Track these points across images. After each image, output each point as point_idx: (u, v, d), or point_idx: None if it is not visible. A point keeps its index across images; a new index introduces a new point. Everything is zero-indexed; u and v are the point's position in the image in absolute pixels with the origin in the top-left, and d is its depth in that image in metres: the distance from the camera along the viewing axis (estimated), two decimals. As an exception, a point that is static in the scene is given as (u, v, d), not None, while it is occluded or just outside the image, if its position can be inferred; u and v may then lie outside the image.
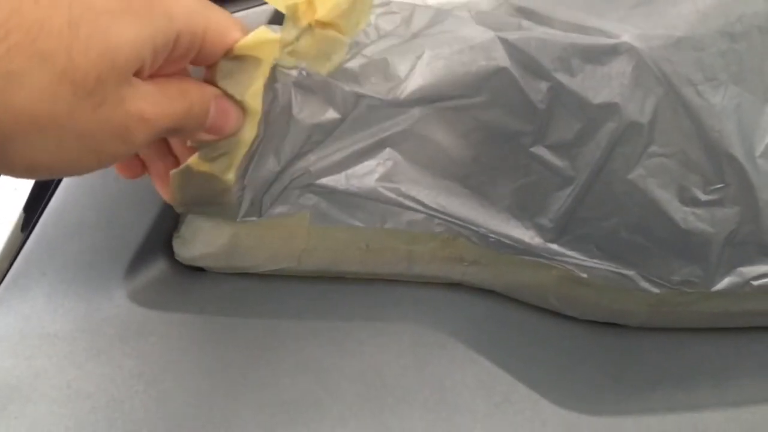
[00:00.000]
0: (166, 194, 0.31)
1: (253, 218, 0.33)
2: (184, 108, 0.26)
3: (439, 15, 0.32)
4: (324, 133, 0.32)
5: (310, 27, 0.29)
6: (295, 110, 0.30)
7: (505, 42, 0.30)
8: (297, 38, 0.29)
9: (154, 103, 0.25)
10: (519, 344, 0.36)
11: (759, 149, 0.32)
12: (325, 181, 0.33)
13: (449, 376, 0.35)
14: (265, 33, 0.28)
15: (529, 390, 0.34)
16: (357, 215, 0.34)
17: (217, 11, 0.27)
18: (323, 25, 0.29)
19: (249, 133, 0.29)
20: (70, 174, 0.26)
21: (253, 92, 0.29)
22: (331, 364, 0.35)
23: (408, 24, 0.32)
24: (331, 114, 0.31)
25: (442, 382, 0.34)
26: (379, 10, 0.32)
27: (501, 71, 0.30)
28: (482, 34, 0.30)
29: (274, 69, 0.29)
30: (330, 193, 0.33)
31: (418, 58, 0.31)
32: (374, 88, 0.31)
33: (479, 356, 0.35)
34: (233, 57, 0.28)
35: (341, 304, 0.36)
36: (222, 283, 0.36)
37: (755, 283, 0.35)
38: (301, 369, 0.34)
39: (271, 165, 0.32)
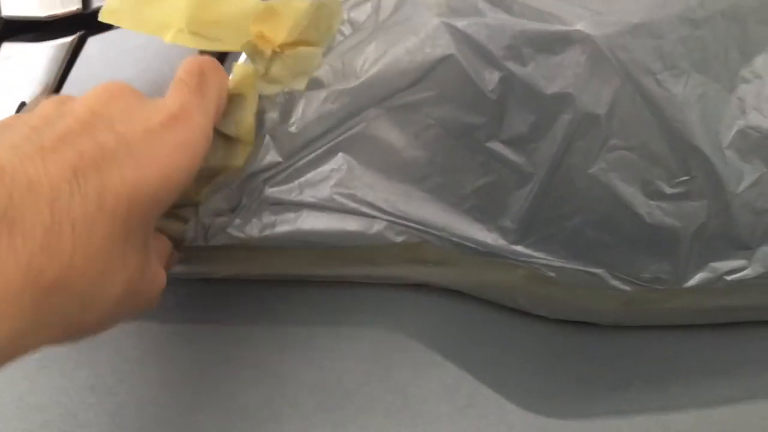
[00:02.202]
0: None
1: (198, 244, 0.32)
2: None
3: (402, 1, 0.31)
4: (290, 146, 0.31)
5: (276, 53, 0.29)
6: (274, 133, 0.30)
7: (451, 28, 0.29)
8: (268, 67, 0.29)
9: None
10: (485, 346, 0.35)
11: (726, 140, 0.31)
12: (279, 192, 0.32)
13: (413, 381, 0.34)
14: (243, 68, 0.29)
15: (494, 393, 0.33)
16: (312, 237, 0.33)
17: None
18: (290, 45, 0.29)
19: (237, 162, 0.30)
20: None
21: (246, 128, 0.29)
22: (290, 372, 0.34)
23: (377, 12, 0.31)
24: (292, 127, 0.30)
25: (406, 387, 0.33)
26: (350, 3, 0.31)
27: (447, 59, 0.29)
28: (429, 21, 0.29)
29: (261, 100, 0.30)
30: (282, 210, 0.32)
31: (368, 53, 0.30)
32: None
33: (444, 359, 0.34)
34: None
35: (300, 308, 0.35)
36: (178, 288, 0.35)
37: (728, 278, 0.34)
38: (259, 378, 0.33)
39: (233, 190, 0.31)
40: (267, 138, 0.31)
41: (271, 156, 0.31)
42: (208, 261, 0.35)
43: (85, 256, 0.21)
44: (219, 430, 0.32)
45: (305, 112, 0.31)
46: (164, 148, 0.24)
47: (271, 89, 0.30)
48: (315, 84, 0.30)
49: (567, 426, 0.33)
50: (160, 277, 0.27)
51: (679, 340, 0.35)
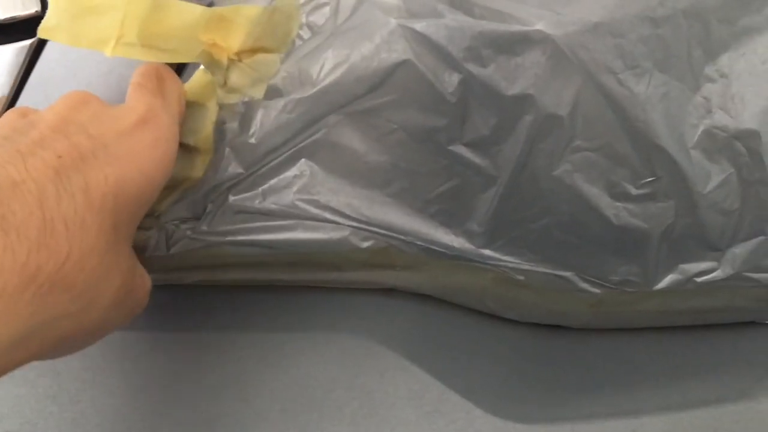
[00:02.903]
0: None
1: (160, 254, 0.32)
2: None
3: (359, 2, 0.30)
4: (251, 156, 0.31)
5: (233, 62, 0.29)
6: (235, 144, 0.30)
7: (409, 31, 0.28)
8: (227, 76, 0.29)
9: None
10: (454, 351, 0.35)
11: (692, 140, 0.30)
12: (242, 200, 0.31)
13: (379, 386, 0.33)
14: (202, 76, 0.28)
15: (461, 399, 0.33)
16: (278, 243, 0.32)
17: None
18: (248, 53, 0.29)
19: (197, 173, 0.30)
20: None
21: (204, 137, 0.29)
22: (255, 378, 0.33)
23: (336, 15, 0.31)
24: (252, 138, 0.30)
25: (372, 393, 0.33)
26: (309, 7, 0.31)
27: (403, 64, 0.28)
28: (385, 25, 0.29)
29: (220, 109, 0.29)
30: (247, 219, 0.32)
31: (325, 60, 0.30)
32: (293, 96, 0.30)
33: (411, 365, 0.34)
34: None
35: (265, 314, 0.35)
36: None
37: (698, 280, 0.33)
38: (223, 385, 0.33)
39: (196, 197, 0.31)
40: (228, 150, 0.30)
41: (233, 168, 0.31)
42: (174, 268, 0.35)
43: (81, 253, 0.21)
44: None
45: (264, 122, 0.30)
46: (140, 147, 0.24)
47: (230, 98, 0.29)
48: (272, 92, 0.30)
49: (535, 430, 0.32)
50: (147, 279, 0.27)
51: (650, 342, 0.35)
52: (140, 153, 0.24)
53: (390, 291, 0.36)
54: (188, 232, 0.32)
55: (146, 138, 0.25)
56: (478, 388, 0.33)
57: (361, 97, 0.30)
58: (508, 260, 0.33)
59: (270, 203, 0.31)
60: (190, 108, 0.29)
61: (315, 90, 0.30)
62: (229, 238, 0.32)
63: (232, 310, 0.35)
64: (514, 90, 0.29)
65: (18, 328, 0.20)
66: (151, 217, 0.31)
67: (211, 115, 0.29)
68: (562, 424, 0.32)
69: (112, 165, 0.23)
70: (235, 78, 0.29)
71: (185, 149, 0.30)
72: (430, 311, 0.35)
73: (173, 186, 0.30)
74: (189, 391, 0.33)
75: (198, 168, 0.30)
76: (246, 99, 0.29)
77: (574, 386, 0.34)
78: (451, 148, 0.31)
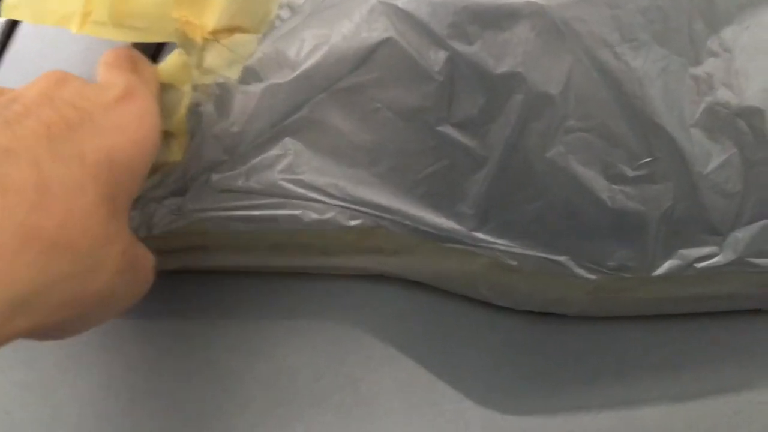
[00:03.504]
0: None
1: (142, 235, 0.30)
2: None
3: None
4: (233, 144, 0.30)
5: (208, 41, 0.28)
6: (210, 126, 0.29)
7: (391, 8, 0.27)
8: (202, 56, 0.28)
9: None
10: (444, 339, 0.33)
11: (692, 118, 0.29)
12: (225, 179, 0.30)
13: (365, 376, 0.32)
14: (177, 57, 0.27)
15: (451, 389, 0.32)
16: (262, 220, 0.32)
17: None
18: (225, 33, 0.28)
19: (175, 157, 0.29)
20: None
21: (177, 120, 0.28)
22: (238, 367, 0.32)
23: None
24: (234, 127, 0.29)
25: (358, 383, 0.32)
26: None
27: (385, 42, 0.27)
28: (365, 2, 0.27)
29: (194, 91, 0.28)
30: (231, 198, 0.31)
31: (303, 41, 0.28)
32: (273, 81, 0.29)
33: (399, 354, 0.33)
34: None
35: (250, 301, 0.34)
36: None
37: (698, 265, 0.32)
38: (205, 373, 0.32)
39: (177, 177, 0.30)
40: (210, 137, 0.29)
41: (216, 154, 0.30)
42: (156, 250, 0.34)
43: (81, 216, 0.21)
44: (162, 427, 0.31)
45: (244, 109, 0.29)
46: (127, 119, 0.24)
47: (205, 79, 0.28)
48: (249, 74, 0.29)
49: (527, 423, 0.31)
50: (150, 254, 0.26)
51: (648, 331, 0.34)
52: (128, 125, 0.24)
53: (378, 277, 0.35)
54: (171, 211, 0.31)
55: (132, 110, 0.24)
56: (469, 378, 0.32)
57: (344, 77, 0.28)
58: (501, 243, 0.32)
59: (253, 182, 0.30)
60: (164, 91, 0.28)
61: (296, 74, 0.29)
62: (212, 214, 0.31)
63: (215, 296, 0.34)
64: (502, 68, 0.27)
65: (18, 290, 0.19)
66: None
67: (185, 98, 0.28)
68: (554, 415, 0.31)
69: (102, 136, 0.23)
70: (211, 58, 0.28)
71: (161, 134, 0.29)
72: (420, 298, 0.34)
73: (152, 170, 0.29)
74: (169, 380, 0.32)
75: (175, 152, 0.29)
76: (221, 80, 0.28)
77: (569, 376, 0.33)
78: (438, 128, 0.29)
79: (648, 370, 0.33)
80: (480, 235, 0.32)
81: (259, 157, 0.30)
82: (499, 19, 0.27)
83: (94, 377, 0.32)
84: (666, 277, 0.32)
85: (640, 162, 0.29)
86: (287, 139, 0.30)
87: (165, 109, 0.28)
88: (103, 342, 0.32)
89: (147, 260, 0.26)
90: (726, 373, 0.32)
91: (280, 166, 0.30)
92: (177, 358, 0.32)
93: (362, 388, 0.32)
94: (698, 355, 0.33)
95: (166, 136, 0.29)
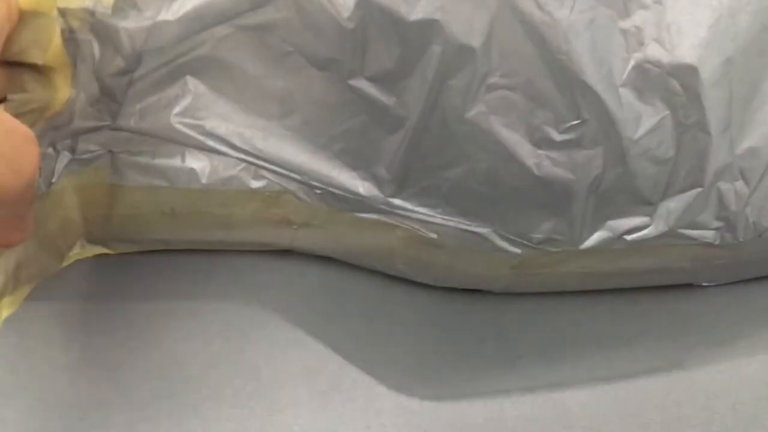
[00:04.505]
0: None
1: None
2: None
3: None
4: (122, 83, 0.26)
5: None
6: (95, 60, 0.25)
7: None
8: None
9: None
10: (357, 319, 0.31)
11: (621, 77, 0.27)
12: (116, 119, 0.26)
13: (269, 362, 0.29)
14: None
15: (362, 374, 0.29)
16: (156, 171, 0.28)
17: None
18: None
19: (61, 93, 0.25)
20: None
21: (53, 51, 0.24)
22: (123, 355, 0.29)
23: None
24: (119, 62, 0.25)
25: (260, 369, 0.29)
26: None
27: (286, -20, 0.24)
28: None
29: (66, 17, 0.24)
30: (125, 141, 0.27)
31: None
32: (152, 12, 0.25)
33: (306, 336, 0.30)
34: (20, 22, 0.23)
35: (140, 280, 0.30)
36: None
37: (628, 237, 0.30)
38: (86, 362, 0.28)
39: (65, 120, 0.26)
40: (95, 71, 0.25)
41: (104, 89, 0.26)
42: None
43: None
44: (32, 423, 0.27)
45: (131, 41, 0.25)
46: None
47: (71, 2, 0.24)
48: (128, 3, 0.24)
49: (444, 410, 0.28)
50: (30, 132, 0.21)
51: (575, 308, 0.32)
52: None
53: (286, 253, 0.32)
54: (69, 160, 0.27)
55: None
56: (383, 362, 0.30)
57: (246, 12, 0.25)
58: (420, 212, 0.29)
59: (147, 123, 0.26)
60: (30, 19, 0.24)
61: (183, 12, 0.25)
62: (103, 160, 0.27)
63: (99, 276, 0.30)
64: (416, 15, 0.25)
65: None
66: None
67: (54, 24, 0.24)
68: (473, 400, 0.29)
69: None
70: None
71: (37, 70, 0.25)
72: (332, 275, 0.31)
73: (40, 112, 0.25)
74: (45, 371, 0.28)
75: (61, 88, 0.25)
76: (91, 6, 0.24)
77: (490, 357, 0.30)
78: (351, 82, 0.26)
79: (575, 350, 0.31)
80: (397, 201, 0.29)
81: (155, 96, 0.27)
82: (413, -40, 0.24)
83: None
84: (594, 250, 0.30)
85: (568, 125, 0.27)
86: (188, 78, 0.27)
87: (34, 40, 0.24)
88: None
89: (25, 133, 0.20)
90: (657, 352, 0.31)
91: (177, 108, 0.27)
92: (52, 346, 0.28)
93: (264, 376, 0.29)
94: (627, 333, 0.31)
95: (44, 72, 0.25)
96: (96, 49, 0.24)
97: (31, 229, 0.24)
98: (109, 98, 0.25)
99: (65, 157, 0.27)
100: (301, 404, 0.28)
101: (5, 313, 0.24)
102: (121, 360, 0.28)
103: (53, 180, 0.27)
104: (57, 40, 0.24)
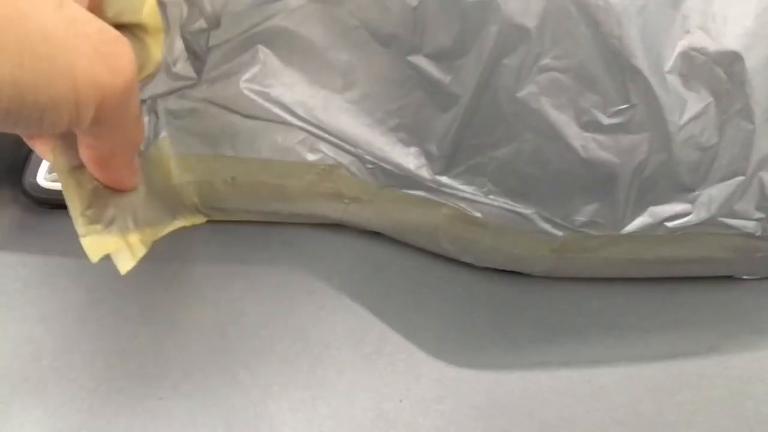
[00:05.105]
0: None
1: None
2: None
3: None
4: (203, 40, 0.27)
5: None
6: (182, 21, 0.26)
7: None
8: None
9: None
10: (400, 291, 0.32)
11: (668, 63, 0.28)
12: (186, 88, 0.28)
13: (316, 325, 0.30)
14: None
15: (403, 340, 0.30)
16: (221, 141, 0.30)
17: None
18: None
19: (154, 55, 0.26)
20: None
21: (148, 10, 0.25)
22: (182, 312, 0.30)
23: None
24: (201, 23, 0.27)
25: (308, 331, 0.30)
26: None
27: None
28: None
29: None
30: (189, 112, 0.29)
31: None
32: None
33: (352, 303, 0.31)
34: None
35: (200, 245, 0.32)
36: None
37: (669, 224, 0.30)
38: (146, 317, 0.30)
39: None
40: (181, 35, 0.27)
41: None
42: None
43: None
44: (94, 368, 0.28)
45: (213, 8, 0.27)
46: None
47: None
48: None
49: (481, 378, 0.29)
50: (128, 55, 0.21)
51: (614, 293, 0.32)
52: None
53: (337, 227, 0.33)
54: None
55: None
56: (424, 331, 0.30)
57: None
58: (466, 190, 0.31)
59: (217, 90, 0.28)
60: None
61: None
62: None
63: (162, 241, 0.32)
64: (476, -6, 0.26)
65: None
66: None
67: None
68: (510, 371, 0.29)
69: None
70: None
71: (131, 33, 0.26)
72: (379, 250, 0.33)
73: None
74: (108, 323, 0.30)
75: (154, 50, 0.26)
76: None
77: (529, 334, 0.31)
78: (410, 58, 0.28)
79: (611, 331, 0.31)
80: (444, 179, 0.30)
81: (228, 65, 0.28)
82: (476, -58, 0.26)
83: (30, 316, 0.29)
84: (635, 236, 0.31)
85: (616, 108, 0.28)
86: (259, 47, 0.28)
87: (131, 3, 0.25)
88: (43, 281, 0.30)
89: (124, 54, 0.21)
90: (693, 337, 0.31)
91: (247, 75, 0.28)
92: (117, 300, 0.30)
93: (312, 337, 0.30)
94: (666, 320, 0.32)
95: (140, 35, 0.26)
96: (185, 11, 0.26)
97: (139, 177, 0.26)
98: (194, 56, 0.27)
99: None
100: (345, 364, 0.29)
101: (139, 254, 0.25)
102: (179, 316, 0.30)
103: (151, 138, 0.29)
104: (151, 1, 0.26)
